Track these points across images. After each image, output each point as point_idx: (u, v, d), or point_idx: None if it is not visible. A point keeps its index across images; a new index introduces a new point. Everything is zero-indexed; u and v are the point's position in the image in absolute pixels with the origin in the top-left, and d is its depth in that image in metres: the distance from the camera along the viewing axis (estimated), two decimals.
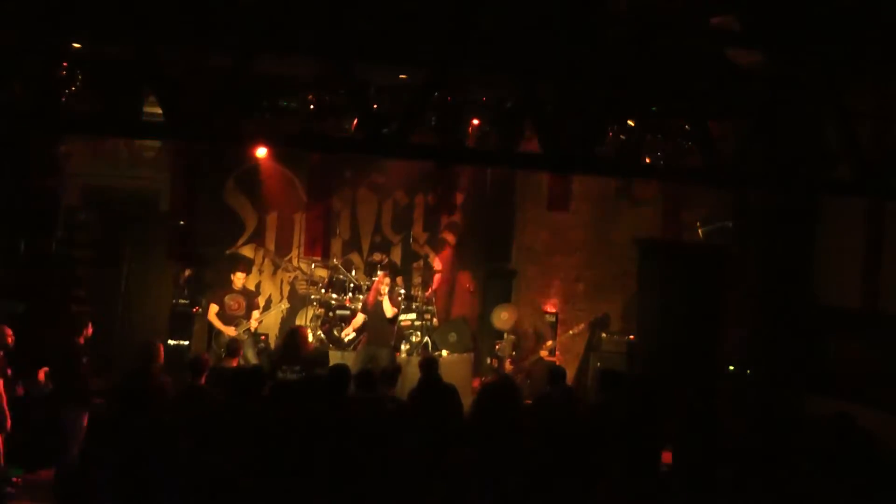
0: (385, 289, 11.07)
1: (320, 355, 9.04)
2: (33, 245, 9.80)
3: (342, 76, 6.44)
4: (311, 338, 11.04)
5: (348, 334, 11.72)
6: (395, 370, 8.26)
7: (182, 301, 11.61)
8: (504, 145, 7.65)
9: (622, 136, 7.58)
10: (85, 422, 8.01)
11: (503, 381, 8.51)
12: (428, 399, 7.58)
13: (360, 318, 11.56)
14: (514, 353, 11.25)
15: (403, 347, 11.89)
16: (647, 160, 8.59)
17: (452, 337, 12.54)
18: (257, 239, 12.75)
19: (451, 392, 7.74)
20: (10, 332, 7.97)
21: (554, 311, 12.39)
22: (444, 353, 12.28)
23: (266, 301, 12.35)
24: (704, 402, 7.97)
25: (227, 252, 12.51)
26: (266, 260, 12.71)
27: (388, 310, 11.01)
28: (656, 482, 6.04)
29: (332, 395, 7.02)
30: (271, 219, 12.86)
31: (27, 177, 9.98)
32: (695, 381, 9.43)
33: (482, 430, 6.39)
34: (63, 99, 6.47)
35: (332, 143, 8.73)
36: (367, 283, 12.01)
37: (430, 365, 8.24)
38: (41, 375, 8.12)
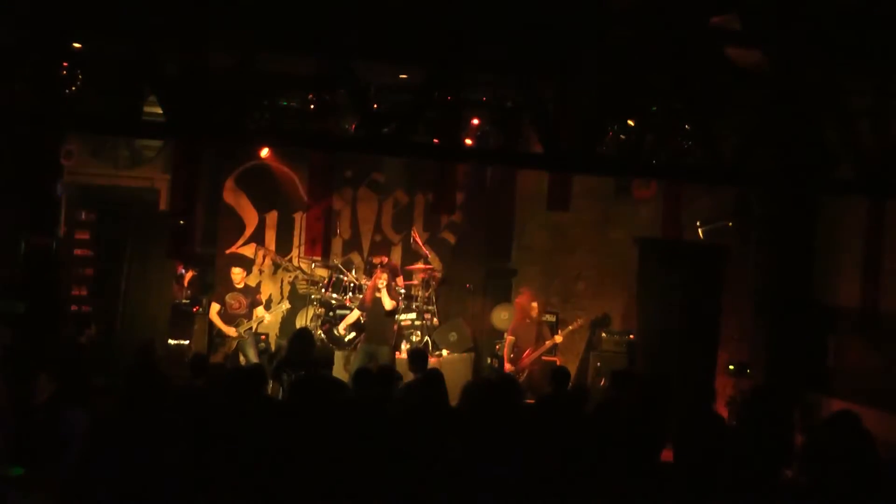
0: (382, 283, 11.09)
1: (326, 356, 9.02)
2: (33, 245, 9.80)
3: (342, 76, 6.44)
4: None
5: (346, 332, 11.72)
6: (397, 376, 8.22)
7: (183, 301, 11.63)
8: (504, 145, 7.65)
9: (622, 136, 7.58)
10: (86, 422, 8.00)
11: (498, 379, 8.51)
12: (424, 392, 7.56)
13: (354, 315, 11.58)
14: (512, 354, 11.24)
15: (404, 347, 11.90)
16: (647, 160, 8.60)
17: (452, 337, 12.54)
18: (257, 238, 12.76)
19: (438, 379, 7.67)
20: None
21: (553, 310, 12.40)
22: (445, 352, 12.29)
23: (266, 301, 12.35)
24: (704, 401, 7.97)
25: (227, 252, 12.52)
26: (266, 259, 12.72)
27: (387, 302, 11.02)
28: (656, 482, 6.02)
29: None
30: (271, 218, 12.87)
31: (28, 176, 9.98)
32: (695, 380, 9.43)
33: (475, 427, 6.38)
34: (63, 99, 6.46)
35: (333, 142, 8.75)
36: (368, 282, 12.03)
37: (420, 356, 8.26)
38: (42, 375, 8.13)
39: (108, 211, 11.37)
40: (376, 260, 12.31)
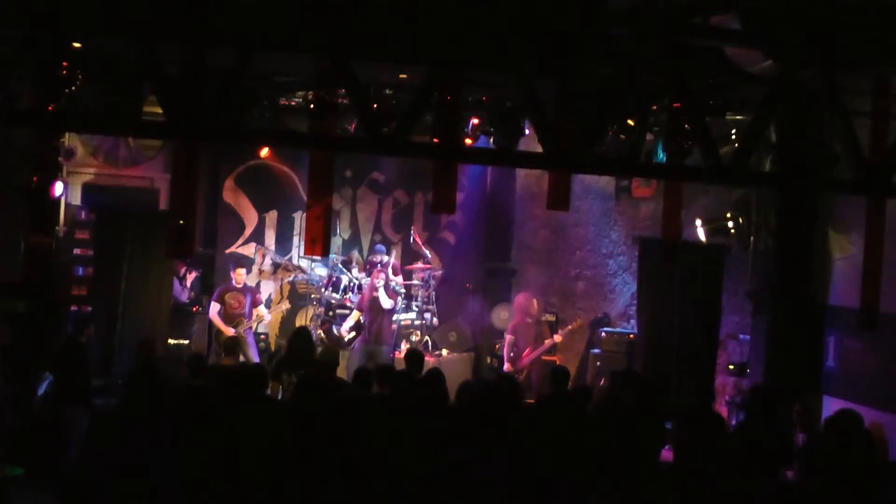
0: (380, 283, 11.09)
1: (331, 356, 9.00)
2: (33, 245, 9.80)
3: (342, 76, 6.44)
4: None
5: (346, 333, 11.73)
6: (392, 370, 8.23)
7: (185, 301, 11.65)
8: (504, 144, 7.64)
9: (622, 136, 7.57)
10: (86, 421, 8.01)
11: (497, 378, 8.50)
12: (424, 392, 7.57)
13: (355, 315, 11.58)
14: (511, 353, 11.24)
15: (403, 346, 11.90)
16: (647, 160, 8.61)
17: (452, 336, 12.55)
18: (257, 238, 12.77)
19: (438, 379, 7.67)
20: None
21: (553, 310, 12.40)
22: (445, 352, 12.29)
23: (266, 300, 12.36)
24: (704, 401, 7.97)
25: (227, 251, 12.53)
26: (266, 259, 12.72)
27: (386, 301, 11.04)
28: (656, 482, 6.04)
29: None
30: (271, 218, 12.88)
31: (28, 176, 9.98)
32: (695, 380, 9.44)
33: (475, 427, 6.39)
34: (63, 99, 6.45)
35: (333, 142, 8.73)
36: (367, 280, 12.02)
37: (416, 357, 8.30)
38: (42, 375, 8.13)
39: (108, 211, 11.36)
40: (376, 258, 12.32)
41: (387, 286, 11.15)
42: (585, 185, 12.03)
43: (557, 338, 11.27)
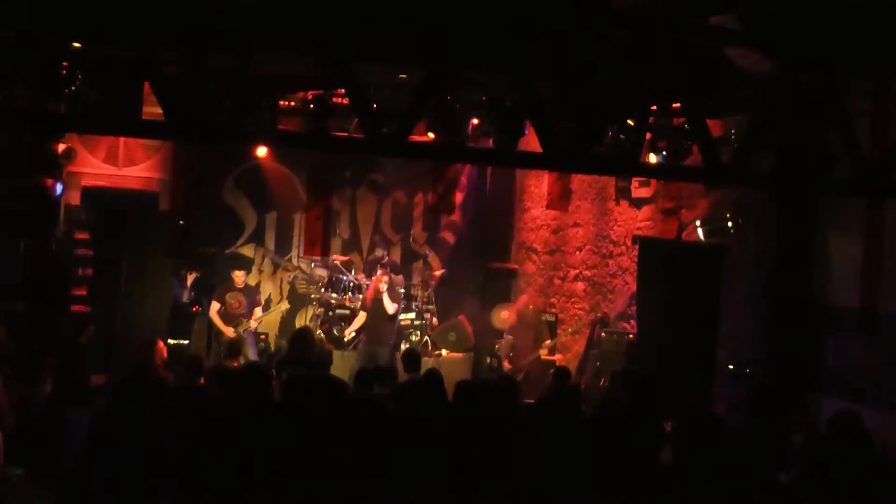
0: (384, 286, 11.08)
1: (325, 356, 9.00)
2: (33, 245, 9.80)
3: (342, 76, 6.44)
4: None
5: (349, 334, 11.73)
6: (392, 370, 8.25)
7: (184, 301, 11.65)
8: (504, 145, 7.64)
9: (622, 136, 7.57)
10: (86, 421, 8.00)
11: (498, 380, 8.50)
12: (414, 393, 7.57)
13: (361, 317, 11.57)
14: (511, 353, 11.25)
15: (403, 347, 11.90)
16: (647, 160, 8.60)
17: (452, 336, 12.55)
18: (257, 238, 12.78)
19: (434, 382, 7.67)
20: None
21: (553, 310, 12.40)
22: (444, 352, 12.29)
23: (266, 301, 12.36)
24: (704, 401, 7.98)
25: (227, 252, 12.53)
26: (266, 259, 12.73)
27: (389, 306, 11.03)
28: (655, 482, 6.03)
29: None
30: (271, 218, 12.88)
31: (27, 176, 9.98)
32: (694, 380, 9.43)
33: (476, 427, 6.39)
34: (63, 99, 6.45)
35: (332, 142, 8.73)
36: (367, 282, 12.02)
37: (413, 357, 8.29)
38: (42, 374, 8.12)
39: (108, 210, 11.37)
40: (378, 252, 12.32)
41: (391, 289, 11.15)
42: (585, 185, 12.03)
43: (549, 342, 11.27)
